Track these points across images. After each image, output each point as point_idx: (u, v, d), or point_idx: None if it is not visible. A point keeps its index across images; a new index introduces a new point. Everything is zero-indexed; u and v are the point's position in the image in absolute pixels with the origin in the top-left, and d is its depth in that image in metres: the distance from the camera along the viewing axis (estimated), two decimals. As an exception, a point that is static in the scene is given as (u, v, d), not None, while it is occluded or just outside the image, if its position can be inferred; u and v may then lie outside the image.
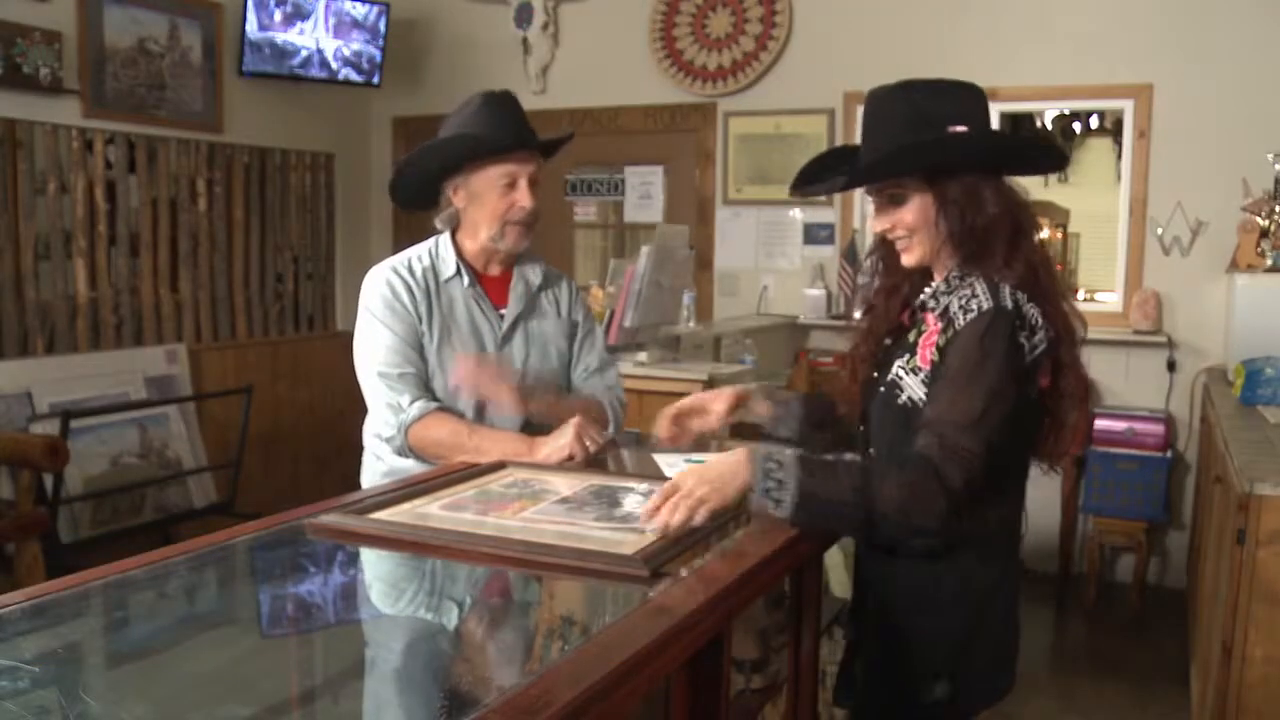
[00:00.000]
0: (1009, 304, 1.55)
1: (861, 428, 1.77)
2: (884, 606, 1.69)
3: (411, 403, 2.07)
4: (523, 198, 2.13)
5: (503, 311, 2.22)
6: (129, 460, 4.29)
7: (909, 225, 1.64)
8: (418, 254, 2.21)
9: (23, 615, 1.28)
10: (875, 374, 1.74)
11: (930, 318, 1.65)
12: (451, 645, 1.34)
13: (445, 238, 2.22)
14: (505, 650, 1.33)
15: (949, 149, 1.61)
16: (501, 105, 2.13)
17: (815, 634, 1.76)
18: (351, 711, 1.17)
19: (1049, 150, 1.74)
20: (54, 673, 1.17)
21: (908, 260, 1.68)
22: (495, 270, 2.24)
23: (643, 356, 3.76)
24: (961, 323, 1.57)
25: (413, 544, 1.54)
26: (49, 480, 3.71)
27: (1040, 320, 1.57)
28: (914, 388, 1.62)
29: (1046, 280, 1.61)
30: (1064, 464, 4.38)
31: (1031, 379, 1.58)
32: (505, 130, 2.09)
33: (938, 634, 1.64)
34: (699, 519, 1.52)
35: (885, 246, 1.76)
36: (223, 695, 1.15)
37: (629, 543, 1.49)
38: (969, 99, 1.64)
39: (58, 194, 4.27)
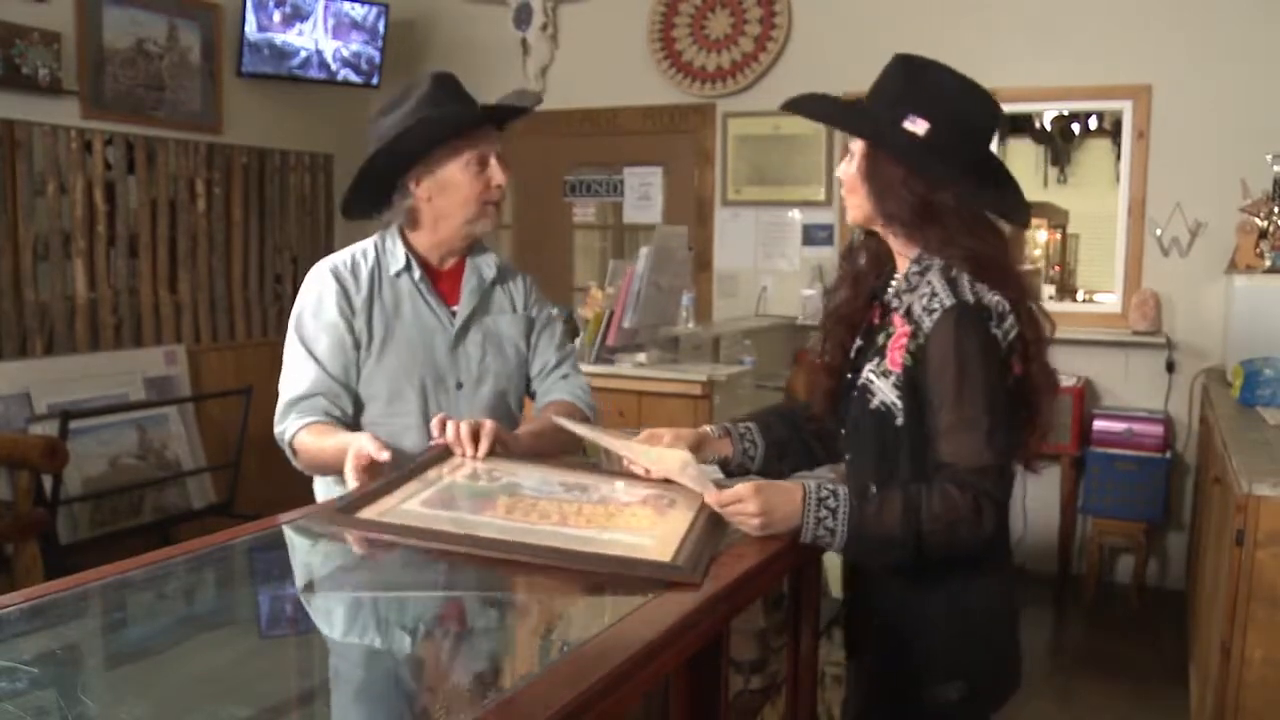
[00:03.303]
0: (969, 297, 1.55)
1: (843, 431, 1.76)
2: (886, 611, 1.68)
3: (290, 425, 1.95)
4: (497, 175, 2.01)
5: (454, 309, 2.09)
6: (128, 461, 4.29)
7: (848, 183, 1.67)
8: (362, 249, 2.08)
9: (21, 616, 1.28)
10: (849, 375, 1.73)
11: (897, 319, 1.63)
12: (452, 645, 1.34)
13: (393, 231, 2.08)
14: (504, 651, 1.33)
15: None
16: (455, 85, 2.01)
17: (814, 635, 1.76)
18: (350, 712, 1.17)
19: (1003, 197, 1.68)
20: (52, 674, 1.17)
21: (849, 217, 1.71)
22: (449, 263, 2.11)
23: (642, 357, 3.76)
24: (928, 325, 1.56)
25: (435, 551, 1.50)
26: (48, 481, 3.71)
27: (1006, 308, 1.57)
28: (886, 391, 1.61)
29: (1001, 273, 1.60)
30: (1063, 464, 4.41)
31: (1008, 367, 1.58)
32: (470, 108, 1.99)
33: (936, 640, 1.63)
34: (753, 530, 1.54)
35: (860, 232, 1.76)
36: (221, 696, 1.15)
37: (651, 547, 1.46)
38: (961, 100, 1.61)
39: (57, 195, 4.27)
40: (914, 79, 1.62)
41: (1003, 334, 1.56)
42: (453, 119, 1.97)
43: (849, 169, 1.67)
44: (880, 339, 1.67)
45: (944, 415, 1.54)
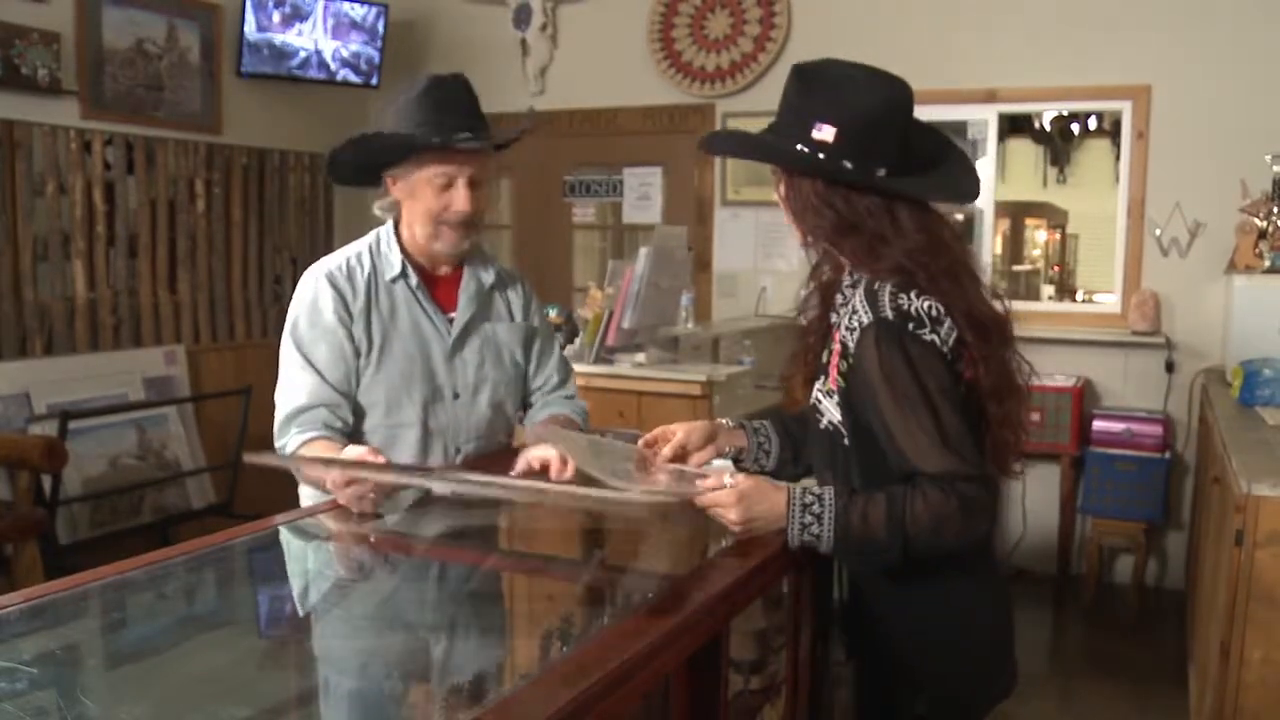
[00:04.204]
0: (888, 312, 1.50)
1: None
2: (870, 617, 1.68)
3: (290, 440, 1.91)
4: (459, 200, 1.94)
5: (451, 316, 2.05)
6: (127, 461, 4.29)
7: (784, 210, 1.64)
8: (357, 252, 2.04)
9: (21, 616, 1.28)
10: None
11: (836, 335, 1.62)
12: (452, 644, 1.34)
13: (388, 231, 2.05)
14: (504, 651, 1.33)
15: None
16: (446, 93, 1.93)
17: (813, 635, 1.76)
18: (349, 711, 1.17)
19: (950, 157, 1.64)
20: (52, 674, 1.17)
21: (797, 239, 1.67)
22: (444, 269, 2.07)
23: (641, 358, 3.76)
24: (852, 344, 1.54)
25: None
26: (47, 481, 3.71)
27: (941, 312, 1.51)
28: (831, 411, 1.61)
29: (929, 278, 1.53)
30: (1062, 464, 4.41)
31: (956, 372, 1.53)
32: (446, 125, 1.90)
33: (917, 648, 1.62)
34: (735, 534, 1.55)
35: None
36: (221, 696, 1.15)
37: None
38: (860, 94, 1.54)
39: (56, 195, 4.27)
40: (810, 85, 1.56)
41: (942, 339, 1.51)
42: (421, 140, 1.91)
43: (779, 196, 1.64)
44: (825, 356, 1.66)
45: (895, 431, 1.49)
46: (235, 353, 5.03)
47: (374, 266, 2.03)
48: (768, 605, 1.94)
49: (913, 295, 1.51)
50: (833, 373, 1.60)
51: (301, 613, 1.46)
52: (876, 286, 1.54)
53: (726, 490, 1.53)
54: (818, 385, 1.65)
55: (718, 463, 1.88)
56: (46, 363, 4.19)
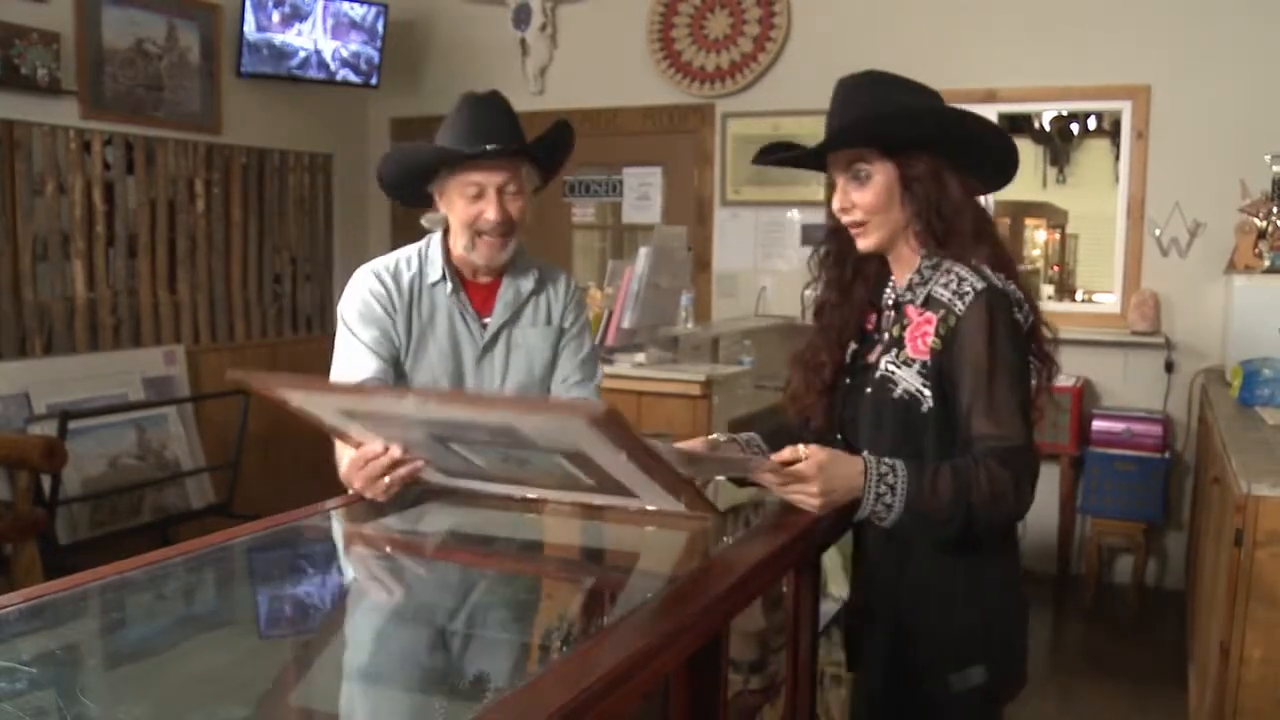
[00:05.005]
0: (998, 283, 1.58)
1: (840, 435, 1.76)
2: (899, 604, 1.68)
3: None
4: (489, 208, 1.99)
5: (487, 321, 2.11)
6: (127, 461, 4.29)
7: (870, 206, 1.64)
8: (407, 256, 2.11)
9: (20, 616, 1.28)
10: (849, 380, 1.73)
11: (912, 310, 1.64)
12: (450, 646, 1.34)
13: (436, 239, 2.12)
14: (503, 651, 1.33)
15: (929, 120, 1.61)
16: (479, 108, 2.02)
17: (813, 635, 1.76)
18: (348, 713, 1.17)
19: (1010, 148, 1.70)
20: (52, 674, 1.17)
21: (863, 245, 1.67)
22: (484, 278, 2.12)
23: (641, 358, 3.76)
24: (961, 308, 1.56)
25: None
26: (47, 481, 3.71)
27: (1022, 297, 1.61)
28: (910, 379, 1.62)
29: (1011, 265, 1.64)
30: (1062, 464, 4.41)
31: (1029, 353, 1.62)
32: (473, 137, 1.97)
33: (963, 623, 1.64)
34: (811, 509, 1.55)
35: (837, 241, 1.75)
36: (221, 696, 1.15)
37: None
38: (930, 97, 1.66)
39: (56, 195, 4.27)
40: (887, 86, 1.63)
41: (1023, 319, 1.60)
42: (446, 152, 1.99)
43: (865, 195, 1.63)
44: (894, 332, 1.67)
45: (979, 394, 1.54)
46: (235, 353, 5.03)
47: (420, 270, 2.10)
48: (768, 605, 1.94)
49: (1003, 276, 1.60)
50: (914, 342, 1.62)
51: (301, 612, 1.46)
52: (974, 262, 1.60)
53: (806, 462, 1.52)
54: (888, 359, 1.66)
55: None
56: (46, 363, 4.19)
